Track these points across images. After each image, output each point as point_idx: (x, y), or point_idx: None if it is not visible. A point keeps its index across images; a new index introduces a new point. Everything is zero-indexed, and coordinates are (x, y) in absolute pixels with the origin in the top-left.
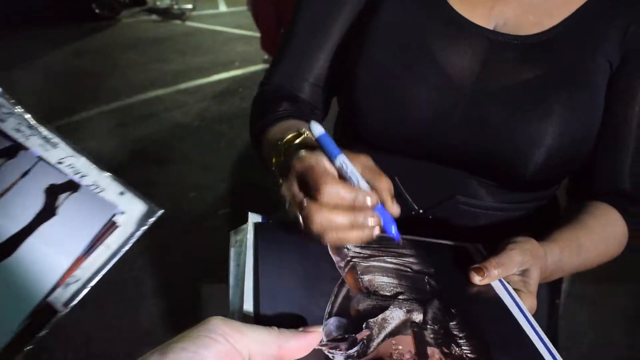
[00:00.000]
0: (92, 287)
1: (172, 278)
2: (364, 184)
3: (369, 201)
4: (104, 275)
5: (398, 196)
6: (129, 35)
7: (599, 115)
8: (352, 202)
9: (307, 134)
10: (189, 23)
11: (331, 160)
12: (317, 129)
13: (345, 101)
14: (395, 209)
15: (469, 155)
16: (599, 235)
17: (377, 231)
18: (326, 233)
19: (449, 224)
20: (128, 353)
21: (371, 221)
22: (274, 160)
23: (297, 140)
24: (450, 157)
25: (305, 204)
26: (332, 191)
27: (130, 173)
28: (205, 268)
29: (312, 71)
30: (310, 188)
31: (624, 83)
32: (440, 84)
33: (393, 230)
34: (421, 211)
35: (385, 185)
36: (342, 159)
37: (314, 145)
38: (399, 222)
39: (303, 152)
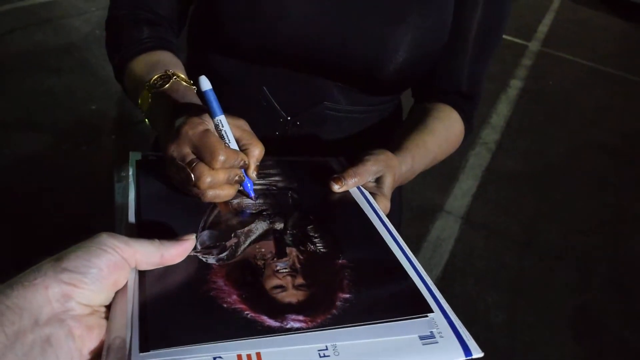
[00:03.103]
0: None
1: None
2: (234, 144)
3: (242, 163)
4: None
5: (267, 105)
6: None
7: (449, 23)
8: (232, 164)
9: (175, 78)
10: None
11: (211, 115)
12: (205, 84)
13: (207, 13)
14: (254, 176)
15: (335, 63)
16: (442, 136)
17: (238, 187)
18: (208, 191)
19: (315, 128)
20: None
21: (237, 177)
22: (139, 101)
23: (167, 86)
24: (317, 65)
25: (195, 165)
26: (224, 159)
27: (24, 83)
28: (105, 183)
29: None
30: (203, 154)
31: None
32: None
33: (249, 187)
34: (289, 118)
35: (257, 152)
36: (220, 118)
37: (184, 93)
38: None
39: (194, 118)
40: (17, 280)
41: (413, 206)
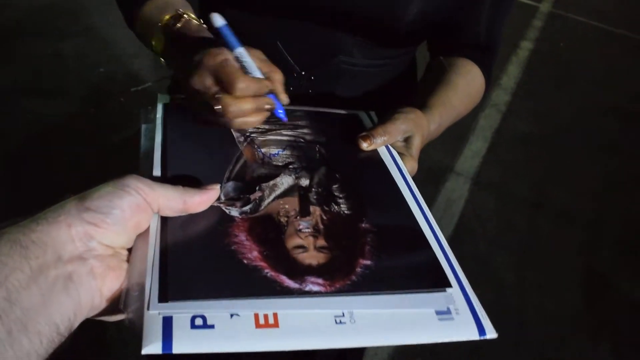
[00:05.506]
0: None
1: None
2: (257, 73)
3: (267, 89)
4: None
5: (281, 59)
6: None
7: None
8: (256, 91)
9: (186, 17)
10: None
11: (230, 50)
12: (219, 21)
13: None
14: (285, 98)
15: (349, 14)
16: (465, 91)
17: (268, 113)
18: (235, 119)
19: (330, 83)
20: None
21: (268, 106)
22: (153, 43)
23: (179, 25)
24: (331, 16)
25: (219, 96)
26: (244, 86)
27: (31, 47)
28: (114, 145)
29: None
30: (223, 83)
31: None
32: None
33: (281, 113)
34: (303, 73)
35: (279, 77)
36: (240, 51)
37: (197, 30)
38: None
39: (212, 49)
40: (42, 215)
41: (423, 167)
